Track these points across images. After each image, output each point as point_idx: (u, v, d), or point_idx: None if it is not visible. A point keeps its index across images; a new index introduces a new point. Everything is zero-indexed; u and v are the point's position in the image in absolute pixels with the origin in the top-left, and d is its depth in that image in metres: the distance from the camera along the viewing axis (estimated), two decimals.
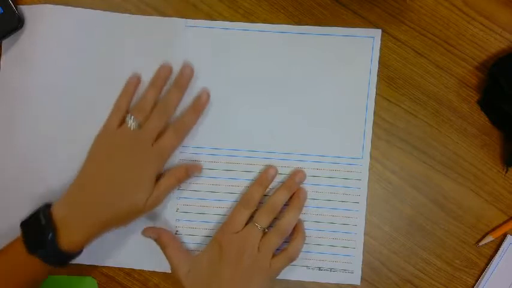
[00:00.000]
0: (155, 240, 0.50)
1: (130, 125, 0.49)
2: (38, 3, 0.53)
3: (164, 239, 0.50)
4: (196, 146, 0.53)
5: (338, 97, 0.53)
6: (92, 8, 0.53)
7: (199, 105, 0.51)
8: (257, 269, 0.47)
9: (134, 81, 0.52)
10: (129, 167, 0.48)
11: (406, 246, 0.53)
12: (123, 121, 0.50)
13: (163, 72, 0.52)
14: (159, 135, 0.50)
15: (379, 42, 0.53)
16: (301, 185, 0.52)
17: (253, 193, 0.51)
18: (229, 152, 0.53)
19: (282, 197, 0.50)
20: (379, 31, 0.53)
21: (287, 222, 0.50)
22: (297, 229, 0.51)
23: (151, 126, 0.49)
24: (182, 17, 0.53)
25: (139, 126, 0.49)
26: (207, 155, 0.53)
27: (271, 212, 0.50)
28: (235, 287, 0.46)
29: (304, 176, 0.52)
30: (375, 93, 0.53)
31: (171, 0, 0.54)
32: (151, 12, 0.53)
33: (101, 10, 0.53)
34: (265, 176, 0.52)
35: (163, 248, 0.50)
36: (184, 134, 0.51)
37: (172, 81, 0.52)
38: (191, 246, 0.53)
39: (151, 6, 0.54)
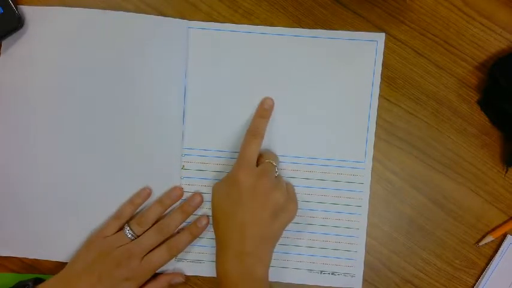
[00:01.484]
0: None
1: (126, 235, 0.50)
2: (37, 3, 0.53)
3: None
4: (198, 148, 0.53)
5: (340, 101, 0.53)
6: (92, 8, 0.53)
7: (198, 228, 0.52)
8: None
9: (144, 195, 0.52)
10: (112, 279, 0.48)
11: (406, 246, 0.53)
12: (121, 227, 0.51)
13: (174, 194, 0.52)
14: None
15: (383, 46, 0.53)
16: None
17: (257, 124, 0.52)
18: (230, 154, 0.53)
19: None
20: (383, 35, 0.53)
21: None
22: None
23: (146, 242, 0.50)
24: (182, 16, 0.53)
25: (135, 238, 0.50)
26: (210, 157, 0.53)
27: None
28: None
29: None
30: (378, 96, 0.53)
31: (171, 0, 0.54)
32: (151, 12, 0.53)
33: (101, 9, 0.53)
34: (263, 107, 0.52)
35: None
36: (176, 253, 0.51)
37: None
38: None
39: (151, 6, 0.54)
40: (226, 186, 0.48)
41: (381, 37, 0.53)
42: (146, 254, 0.49)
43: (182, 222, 0.52)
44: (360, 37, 0.53)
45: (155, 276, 0.51)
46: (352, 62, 0.53)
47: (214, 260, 0.48)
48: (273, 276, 0.52)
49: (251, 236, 0.46)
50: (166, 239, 0.51)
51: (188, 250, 0.53)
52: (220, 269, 0.47)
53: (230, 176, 0.49)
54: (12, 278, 0.53)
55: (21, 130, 0.53)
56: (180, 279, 0.52)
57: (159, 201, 0.52)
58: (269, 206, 0.47)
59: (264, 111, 0.52)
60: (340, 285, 0.53)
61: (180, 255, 0.52)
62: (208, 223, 0.52)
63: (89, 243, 0.51)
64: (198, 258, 0.53)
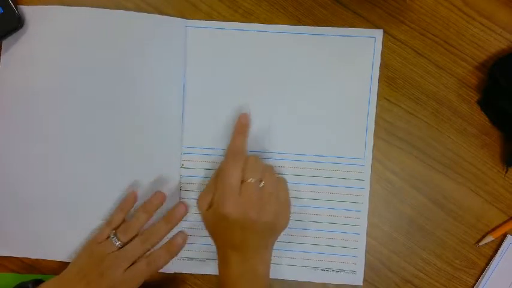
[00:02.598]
0: None
1: (113, 243, 0.49)
2: (37, 3, 0.53)
3: None
4: (198, 146, 0.53)
5: (339, 97, 0.53)
6: (91, 7, 0.53)
7: (174, 247, 0.51)
8: None
9: (131, 199, 0.52)
10: (99, 287, 0.48)
11: (406, 246, 0.53)
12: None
13: (156, 200, 0.52)
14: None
15: (381, 42, 0.53)
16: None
17: (237, 144, 0.51)
18: None
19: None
20: (381, 31, 0.53)
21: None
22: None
23: (131, 252, 0.49)
24: (182, 16, 0.53)
25: (122, 245, 0.49)
26: (205, 155, 0.53)
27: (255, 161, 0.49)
28: None
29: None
30: (376, 93, 0.53)
31: None
32: (151, 12, 0.53)
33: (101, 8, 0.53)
34: (240, 124, 0.52)
35: None
36: (156, 269, 0.50)
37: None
38: None
39: (151, 5, 0.54)
40: (215, 219, 0.48)
41: (379, 33, 0.53)
42: (130, 266, 0.49)
43: (168, 232, 0.51)
44: (358, 34, 0.53)
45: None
46: (351, 59, 0.53)
47: (214, 258, 0.48)
48: (274, 273, 0.52)
49: (248, 250, 0.47)
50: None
51: (188, 249, 0.53)
52: (222, 267, 0.48)
53: (216, 209, 0.47)
54: (13, 278, 0.53)
55: (21, 130, 0.53)
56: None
57: (144, 208, 0.51)
58: (259, 229, 0.47)
59: (242, 127, 0.52)
60: (341, 282, 0.53)
61: (180, 254, 0.52)
62: (185, 241, 0.52)
63: (84, 247, 0.51)
64: (199, 257, 0.53)
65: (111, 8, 0.53)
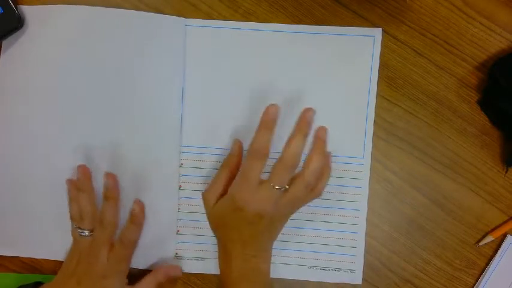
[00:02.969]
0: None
1: (81, 235, 0.49)
2: (38, 3, 0.53)
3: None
4: (197, 145, 0.53)
5: (339, 96, 0.53)
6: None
7: (135, 217, 0.49)
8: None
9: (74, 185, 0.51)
10: (91, 279, 0.47)
11: (406, 246, 0.53)
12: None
13: (110, 181, 0.50)
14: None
15: (380, 41, 0.53)
16: (319, 125, 0.47)
17: (261, 140, 0.45)
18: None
19: (299, 144, 0.44)
20: (380, 30, 0.53)
21: (311, 172, 0.45)
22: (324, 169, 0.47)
23: (99, 238, 0.48)
24: (182, 16, 0.53)
25: (90, 233, 0.49)
26: (204, 154, 0.53)
27: (290, 166, 0.44)
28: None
29: (313, 113, 0.46)
30: (376, 91, 0.53)
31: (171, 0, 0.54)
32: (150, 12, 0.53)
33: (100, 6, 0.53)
34: (267, 117, 0.45)
35: None
36: (130, 244, 0.49)
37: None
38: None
39: (151, 6, 0.54)
40: (228, 210, 0.46)
41: (378, 32, 0.53)
42: (109, 254, 0.48)
43: (116, 209, 0.49)
44: (357, 32, 0.53)
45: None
46: (350, 57, 0.53)
47: (214, 257, 0.48)
48: (274, 272, 0.52)
49: (255, 245, 0.46)
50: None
51: (188, 248, 0.53)
52: (224, 266, 0.47)
53: (231, 199, 0.46)
54: (13, 278, 0.53)
55: (21, 130, 0.53)
56: (178, 272, 0.52)
57: (84, 191, 0.50)
58: (274, 224, 0.46)
59: (268, 122, 0.45)
60: (341, 281, 0.53)
61: (180, 253, 0.52)
62: (142, 207, 0.50)
63: (72, 245, 0.51)
64: (199, 256, 0.53)
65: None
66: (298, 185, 0.45)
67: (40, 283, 0.50)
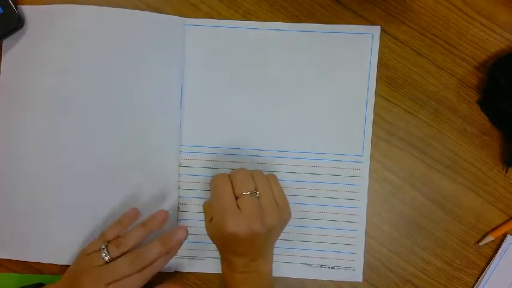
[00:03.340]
0: None
1: (102, 256, 0.47)
2: (38, 3, 0.53)
3: None
4: (196, 145, 0.53)
5: (338, 94, 0.53)
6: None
7: (170, 243, 0.49)
8: None
9: (131, 215, 0.50)
10: None
11: (406, 246, 0.53)
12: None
13: (159, 217, 0.50)
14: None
15: (378, 38, 0.53)
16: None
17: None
18: (230, 150, 0.53)
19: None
20: (378, 28, 0.53)
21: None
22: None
23: (117, 270, 0.46)
24: (182, 16, 0.53)
25: (110, 260, 0.47)
26: (204, 154, 0.53)
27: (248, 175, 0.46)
28: None
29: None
30: (374, 89, 0.53)
31: (171, 0, 0.54)
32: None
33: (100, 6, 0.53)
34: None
35: None
36: (149, 277, 0.48)
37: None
38: None
39: (151, 6, 0.54)
40: (219, 235, 0.46)
41: (376, 30, 0.53)
42: (115, 281, 0.46)
43: (160, 255, 0.48)
44: (356, 30, 0.53)
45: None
46: (349, 55, 0.53)
47: (214, 256, 0.48)
48: (274, 271, 0.52)
49: (252, 255, 0.46)
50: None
51: (188, 247, 0.53)
52: (226, 269, 0.48)
53: (219, 227, 0.45)
54: (14, 278, 0.53)
55: (21, 130, 0.53)
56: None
57: (143, 224, 0.49)
58: (264, 234, 0.46)
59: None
60: (341, 279, 0.53)
61: (180, 253, 0.52)
62: (186, 236, 0.49)
63: (76, 257, 0.49)
64: (199, 256, 0.53)
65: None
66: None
67: (41, 284, 0.50)
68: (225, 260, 0.48)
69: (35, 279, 0.52)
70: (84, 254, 0.48)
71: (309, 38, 0.53)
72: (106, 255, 0.47)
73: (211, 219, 0.46)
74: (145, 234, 0.49)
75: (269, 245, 0.48)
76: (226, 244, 0.46)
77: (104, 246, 0.47)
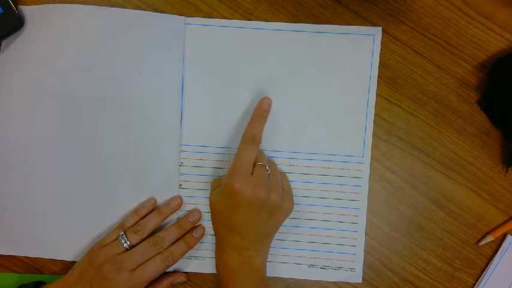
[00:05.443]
0: None
1: (121, 244, 0.49)
2: (38, 3, 0.53)
3: None
4: (196, 144, 0.53)
5: (339, 95, 0.53)
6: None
7: (194, 239, 0.52)
8: None
9: (149, 205, 0.52)
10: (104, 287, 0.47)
11: (406, 246, 0.53)
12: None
13: (173, 204, 0.52)
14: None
15: (380, 39, 0.53)
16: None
17: (253, 128, 0.51)
18: (228, 150, 0.53)
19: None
20: (380, 29, 0.53)
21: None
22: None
23: (139, 255, 0.48)
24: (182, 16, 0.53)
25: (130, 247, 0.49)
26: (204, 153, 0.53)
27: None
28: None
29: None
30: (375, 90, 0.53)
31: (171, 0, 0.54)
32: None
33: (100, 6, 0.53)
34: (260, 108, 0.51)
35: None
36: (171, 264, 0.50)
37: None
38: None
39: (151, 5, 0.54)
40: (223, 196, 0.48)
41: (377, 31, 0.53)
42: (139, 266, 0.48)
43: (178, 237, 0.51)
44: (357, 31, 0.53)
45: (157, 278, 0.50)
46: (350, 56, 0.53)
47: (213, 256, 0.48)
48: (273, 271, 0.53)
49: (248, 235, 0.47)
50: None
51: None
52: (219, 261, 0.49)
53: (226, 185, 0.47)
54: (13, 278, 0.53)
55: (21, 130, 0.53)
56: (182, 279, 0.52)
57: (158, 211, 0.52)
58: (265, 210, 0.47)
59: (262, 112, 0.51)
60: (341, 280, 0.53)
61: None
62: (203, 233, 0.52)
63: (89, 251, 0.50)
64: (198, 255, 0.53)
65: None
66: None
67: (40, 283, 0.50)
68: (219, 248, 0.49)
69: (34, 278, 0.52)
70: (101, 246, 0.49)
71: (309, 38, 0.53)
72: (125, 242, 0.49)
73: (215, 190, 0.49)
74: (161, 221, 0.51)
75: (265, 234, 0.49)
76: (227, 211, 0.47)
77: (122, 234, 0.49)
